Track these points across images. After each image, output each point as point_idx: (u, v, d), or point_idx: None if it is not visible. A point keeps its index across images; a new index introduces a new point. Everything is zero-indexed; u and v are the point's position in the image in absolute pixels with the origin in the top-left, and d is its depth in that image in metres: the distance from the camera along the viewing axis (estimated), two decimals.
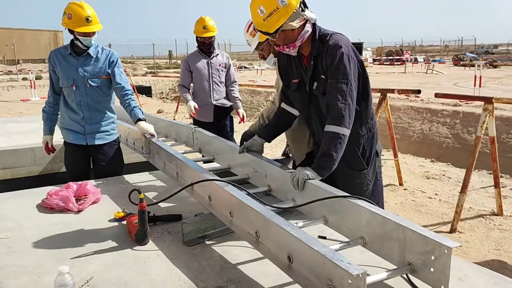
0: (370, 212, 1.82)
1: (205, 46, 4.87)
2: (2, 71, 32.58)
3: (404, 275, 1.77)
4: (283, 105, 2.79)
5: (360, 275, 1.36)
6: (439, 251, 1.54)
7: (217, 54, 5.01)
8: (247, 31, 2.99)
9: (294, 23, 2.34)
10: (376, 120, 2.68)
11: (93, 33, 3.35)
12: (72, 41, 3.43)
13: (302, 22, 2.38)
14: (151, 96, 21.66)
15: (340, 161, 2.45)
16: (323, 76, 2.44)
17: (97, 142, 3.58)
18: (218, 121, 5.01)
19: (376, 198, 2.66)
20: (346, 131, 2.30)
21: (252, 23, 2.92)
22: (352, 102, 2.32)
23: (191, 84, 5.10)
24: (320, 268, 1.52)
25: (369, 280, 1.47)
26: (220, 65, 4.98)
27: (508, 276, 1.85)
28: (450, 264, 1.52)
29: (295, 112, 2.75)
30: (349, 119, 2.30)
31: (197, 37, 4.86)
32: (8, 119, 9.20)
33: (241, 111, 5.01)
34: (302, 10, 2.37)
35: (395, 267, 1.71)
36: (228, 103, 5.05)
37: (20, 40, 40.29)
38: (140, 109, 3.47)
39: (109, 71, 3.50)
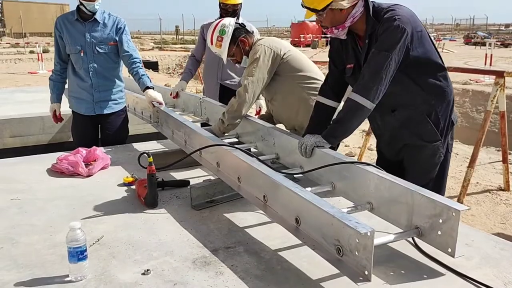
0: (379, 177, 1.83)
1: (228, 15, 3.94)
2: (9, 43, 32.54)
3: (410, 239, 1.79)
4: (319, 97, 2.57)
5: (368, 234, 1.38)
6: (447, 214, 1.54)
7: None
8: (211, 44, 2.89)
9: (344, 3, 2.18)
10: (452, 88, 2.42)
11: None
12: (78, 7, 3.40)
13: (354, 3, 2.21)
14: (157, 71, 21.58)
15: (410, 133, 2.36)
16: None
17: (105, 112, 3.58)
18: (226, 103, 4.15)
19: (446, 170, 2.49)
20: (369, 105, 2.15)
21: (213, 33, 2.86)
22: (385, 77, 2.14)
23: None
24: (327, 229, 1.54)
25: (375, 242, 1.48)
26: None
27: None
28: (458, 228, 1.53)
29: (332, 104, 2.54)
30: (375, 93, 2.14)
31: (220, 3, 4.06)
32: (16, 88, 9.23)
33: (259, 103, 4.00)
34: None
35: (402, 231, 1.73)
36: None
37: (26, 13, 40.06)
38: (148, 77, 3.46)
39: (117, 38, 3.48)
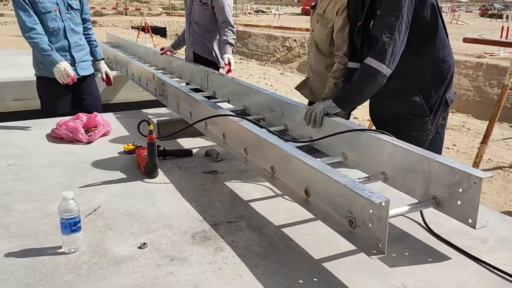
0: (393, 146, 1.72)
1: None
2: None
3: (421, 220, 1.70)
4: (350, 64, 2.53)
5: (383, 204, 1.28)
6: (468, 183, 1.43)
7: None
8: None
9: None
10: (453, 64, 2.34)
11: None
12: None
13: None
14: (165, 37, 21.29)
15: (399, 104, 2.30)
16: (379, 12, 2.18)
17: (85, 73, 3.44)
18: None
19: (438, 152, 2.37)
20: (385, 69, 2.06)
21: None
22: (399, 38, 2.06)
23: None
24: (339, 199, 1.45)
25: (390, 213, 1.38)
26: (201, 1, 3.71)
27: None
28: (480, 196, 1.42)
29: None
30: (391, 57, 2.05)
31: None
32: (21, 51, 9.08)
33: (227, 56, 3.49)
34: None
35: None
36: (209, 56, 3.84)
37: None
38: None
39: None
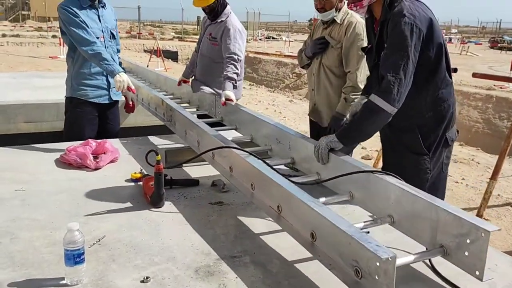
0: (400, 190, 1.70)
1: (210, 15, 3.67)
2: (32, 27, 32.94)
3: (427, 261, 1.67)
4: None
5: (390, 259, 1.26)
6: (476, 235, 1.42)
7: (218, 22, 3.63)
8: None
9: None
10: (455, 103, 2.35)
11: None
12: None
13: None
14: (177, 61, 21.57)
15: (398, 139, 2.33)
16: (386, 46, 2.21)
17: (116, 98, 3.53)
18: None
19: (439, 192, 2.38)
20: (390, 108, 2.03)
21: None
22: (405, 77, 2.04)
23: None
24: (345, 248, 1.42)
25: (397, 262, 1.36)
26: (210, 34, 3.66)
27: None
28: (487, 249, 1.40)
29: None
30: (396, 96, 2.03)
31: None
32: (34, 73, 9.26)
33: (225, 93, 3.21)
34: None
35: (423, 248, 1.61)
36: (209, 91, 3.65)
37: None
38: None
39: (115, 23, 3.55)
